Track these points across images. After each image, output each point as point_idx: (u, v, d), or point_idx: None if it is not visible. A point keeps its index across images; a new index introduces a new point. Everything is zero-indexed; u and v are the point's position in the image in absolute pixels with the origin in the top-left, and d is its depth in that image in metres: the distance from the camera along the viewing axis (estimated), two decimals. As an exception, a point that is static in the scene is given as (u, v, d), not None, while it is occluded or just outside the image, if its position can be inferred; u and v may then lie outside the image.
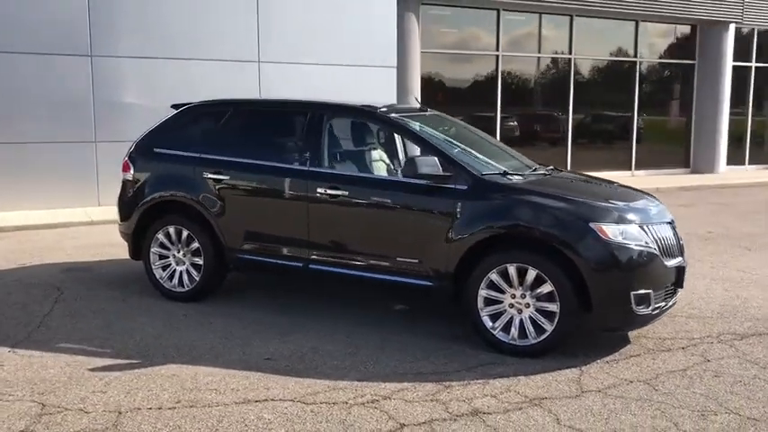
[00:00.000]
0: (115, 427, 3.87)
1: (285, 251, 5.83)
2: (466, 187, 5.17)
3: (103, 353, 5.01)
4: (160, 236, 6.26)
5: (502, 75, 14.58)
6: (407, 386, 4.48)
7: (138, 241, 6.44)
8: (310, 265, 5.73)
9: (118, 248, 8.42)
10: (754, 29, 17.59)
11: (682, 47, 17.15)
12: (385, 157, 6.34)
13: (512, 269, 4.99)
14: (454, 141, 5.81)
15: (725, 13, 16.52)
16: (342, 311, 6.04)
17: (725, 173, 17.26)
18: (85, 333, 5.42)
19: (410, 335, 5.47)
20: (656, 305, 5.02)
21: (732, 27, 16.81)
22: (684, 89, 17.23)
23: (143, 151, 6.49)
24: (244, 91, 11.68)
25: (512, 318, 5.05)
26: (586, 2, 14.67)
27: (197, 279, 6.15)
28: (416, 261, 5.34)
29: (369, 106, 5.88)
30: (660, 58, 16.87)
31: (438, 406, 4.19)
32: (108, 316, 5.84)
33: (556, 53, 15.35)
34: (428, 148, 5.41)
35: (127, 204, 6.48)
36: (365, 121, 6.16)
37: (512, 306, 5.04)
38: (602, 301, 4.85)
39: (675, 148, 17.42)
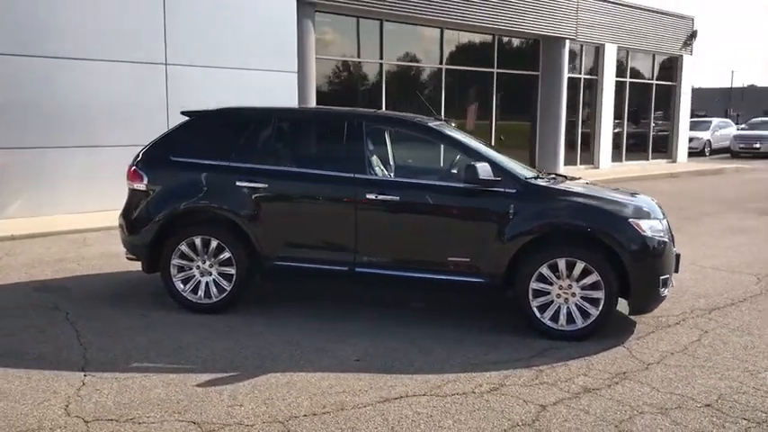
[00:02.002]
0: (295, 436, 3.91)
1: (329, 256, 5.97)
2: (515, 191, 5.71)
3: (189, 368, 4.87)
4: (183, 247, 6.07)
5: (386, 82, 15.23)
6: (508, 374, 4.92)
7: (155, 254, 6.18)
8: (356, 269, 5.93)
9: (73, 264, 7.90)
10: (582, 45, 19.92)
11: (529, 59, 18.96)
12: (425, 163, 6.66)
13: (561, 263, 5.61)
14: (488, 149, 6.30)
15: (563, 30, 18.55)
16: (368, 313, 6.28)
17: (563, 172, 19.34)
18: (144, 351, 5.19)
19: (456, 330, 5.87)
20: (669, 287, 5.92)
21: (568, 43, 18.92)
22: (531, 97, 19.06)
23: (157, 160, 6.24)
24: (152, 95, 11.22)
25: (559, 306, 5.67)
26: (455, 16, 15.77)
27: (227, 289, 6.06)
28: (468, 260, 5.78)
29: (409, 117, 6.19)
30: (512, 69, 18.52)
31: (552, 387, 4.69)
32: (148, 333, 5.59)
33: (430, 63, 16.30)
34: (477, 155, 5.88)
35: (141, 216, 6.19)
36: (409, 131, 6.42)
37: (559, 296, 5.67)
38: (639, 286, 5.63)
39: (523, 151, 19.21)
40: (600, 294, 5.59)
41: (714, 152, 31.64)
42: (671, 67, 23.82)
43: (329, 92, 14.40)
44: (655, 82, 23.18)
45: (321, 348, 5.35)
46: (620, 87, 21.55)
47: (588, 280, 5.59)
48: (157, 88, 11.29)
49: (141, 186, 6.20)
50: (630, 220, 5.63)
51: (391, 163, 6.49)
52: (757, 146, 31.12)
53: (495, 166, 5.75)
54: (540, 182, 5.96)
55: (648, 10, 21.96)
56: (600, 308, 5.60)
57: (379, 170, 6.14)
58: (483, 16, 16.39)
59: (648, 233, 5.64)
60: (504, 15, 16.85)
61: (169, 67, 11.38)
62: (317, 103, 13.65)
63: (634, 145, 23.03)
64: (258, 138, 6.21)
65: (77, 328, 5.66)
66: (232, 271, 6.05)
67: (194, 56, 11.62)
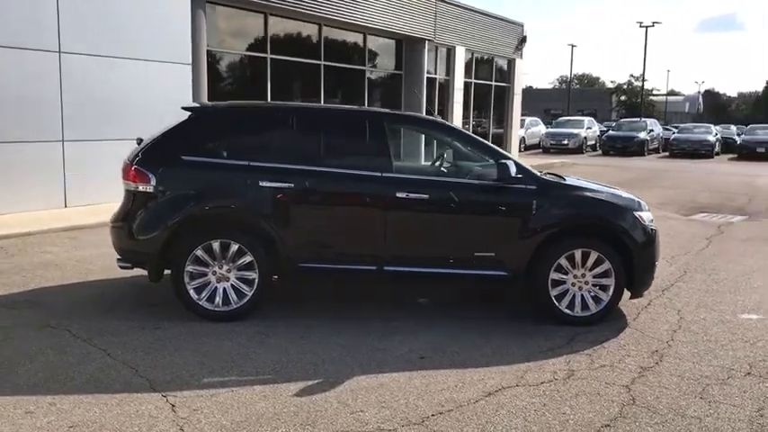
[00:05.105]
0: (445, 435, 3.92)
1: (358, 256, 5.89)
2: (535, 187, 6.03)
3: (268, 379, 4.64)
4: (199, 252, 5.67)
5: (271, 76, 14.89)
6: (566, 359, 5.24)
7: (163, 260, 5.70)
8: (385, 267, 5.91)
9: (17, 276, 7.05)
10: (437, 47, 20.82)
11: (394, 59, 19.47)
12: (447, 161, 6.69)
13: (578, 254, 6.02)
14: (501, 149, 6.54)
15: (423, 32, 19.28)
16: (385, 311, 6.31)
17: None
18: (201, 366, 4.82)
19: (481, 322, 6.07)
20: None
21: (427, 44, 19.68)
22: (396, 96, 19.57)
23: (165, 159, 5.74)
24: (44, 85, 10.12)
25: (574, 295, 6.08)
26: (331, 13, 15.84)
27: (248, 294, 5.76)
28: (492, 254, 6.00)
29: (429, 117, 6.25)
30: (380, 68, 18.92)
31: (615, 369, 5.06)
32: (186, 345, 5.19)
33: (311, 58, 16.17)
34: (496, 154, 6.11)
35: (148, 220, 5.67)
36: (430, 130, 6.44)
37: (573, 285, 6.08)
38: (642, 273, 6.20)
39: (389, 148, 19.66)
40: (610, 281, 6.07)
41: (528, 148, 34.43)
42: (506, 70, 25.62)
43: (219, 85, 13.82)
44: (493, 83, 24.80)
45: (375, 348, 5.31)
46: (467, 88, 22.80)
47: (600, 269, 6.05)
48: (50, 79, 10.18)
49: (147, 188, 5.67)
50: (635, 212, 6.18)
51: (419, 161, 6.54)
52: (566, 142, 34.48)
53: (514, 163, 6.02)
54: (551, 178, 6.33)
55: (489, 15, 23.45)
56: (610, 294, 6.09)
57: (410, 168, 6.18)
58: (355, 14, 16.60)
59: (647, 223, 6.23)
60: (373, 14, 17.19)
61: (63, 56, 10.30)
62: (209, 96, 13.06)
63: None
64: (279, 136, 5.93)
65: (100, 347, 5.09)
66: (253, 275, 5.76)
67: (90, 45, 10.62)
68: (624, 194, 6.50)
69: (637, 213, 6.18)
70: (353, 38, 17.75)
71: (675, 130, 39.20)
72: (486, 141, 6.46)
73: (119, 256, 5.93)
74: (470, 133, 6.45)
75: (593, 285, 6.09)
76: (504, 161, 5.87)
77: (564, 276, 6.06)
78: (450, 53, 21.66)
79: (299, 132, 5.98)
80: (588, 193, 6.27)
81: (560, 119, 40.85)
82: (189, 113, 6.00)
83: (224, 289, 5.75)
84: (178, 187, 5.71)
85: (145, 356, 4.95)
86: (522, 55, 26.03)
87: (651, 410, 4.35)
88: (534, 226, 5.98)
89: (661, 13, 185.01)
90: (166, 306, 6.00)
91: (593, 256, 6.02)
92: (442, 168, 6.90)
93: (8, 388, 4.30)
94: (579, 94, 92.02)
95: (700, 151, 32.78)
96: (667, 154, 34.33)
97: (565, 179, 6.47)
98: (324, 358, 5.05)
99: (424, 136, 7.08)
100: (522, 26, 25.80)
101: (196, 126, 5.94)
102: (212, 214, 5.76)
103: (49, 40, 10.15)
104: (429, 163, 6.96)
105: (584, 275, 6.07)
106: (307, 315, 6.04)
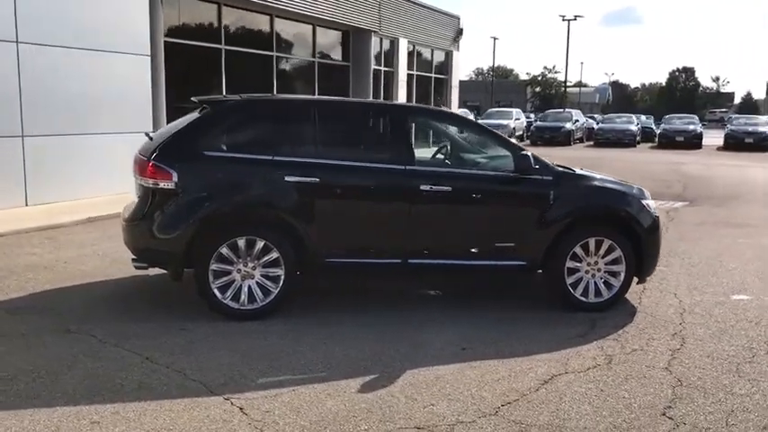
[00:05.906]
0: (519, 424, 3.97)
1: (384, 249, 5.86)
2: (551, 178, 6.15)
3: (324, 377, 4.57)
4: (224, 250, 5.50)
5: (225, 67, 14.54)
6: (598, 345, 5.38)
7: (187, 259, 5.51)
8: (409, 260, 5.91)
9: (9, 280, 6.64)
10: (381, 38, 20.84)
11: (341, 50, 19.37)
12: (467, 153, 6.68)
13: (592, 242, 6.19)
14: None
15: (369, 23, 19.25)
16: (402, 303, 6.32)
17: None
18: (248, 366, 4.70)
19: (499, 312, 6.16)
20: (653, 258, 6.81)
21: (372, 36, 19.67)
22: (344, 86, 19.47)
23: (186, 154, 5.52)
24: (2, 75, 9.56)
25: (588, 282, 6.25)
26: (281, 4, 15.62)
27: (274, 291, 5.64)
28: (512, 245, 6.09)
29: (446, 110, 6.24)
30: (328, 59, 18.78)
31: (647, 353, 5.23)
32: (221, 346, 5.05)
33: (264, 50, 15.89)
34: (513, 147, 6.20)
35: (170, 218, 5.45)
36: (449, 123, 6.44)
37: (587, 272, 6.25)
38: (649, 259, 6.43)
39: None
40: (621, 268, 6.26)
41: (460, 140, 34.94)
42: (444, 62, 25.91)
43: (176, 75, 13.38)
44: (433, 75, 25.05)
45: (414, 342, 5.30)
46: (409, 79, 22.94)
47: (611, 256, 6.23)
48: (8, 70, 9.60)
49: (168, 185, 5.44)
50: (643, 201, 6.41)
51: (440, 153, 6.56)
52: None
53: (533, 155, 6.12)
54: (564, 169, 6.46)
55: (428, 8, 23.65)
56: (621, 279, 6.28)
57: (432, 161, 6.19)
58: (304, 4, 16.42)
59: (653, 211, 6.46)
60: (322, 5, 17.05)
61: (21, 46, 9.73)
62: (167, 87, 12.64)
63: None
64: (301, 130, 5.81)
65: (134, 351, 4.87)
66: (279, 272, 5.64)
67: (48, 35, 10.07)
68: (629, 183, 6.71)
69: (643, 201, 6.40)
70: (303, 29, 17.57)
71: (595, 121, 40.64)
72: (501, 134, 6.54)
73: (134, 256, 5.69)
74: (486, 126, 6.51)
75: (605, 272, 6.27)
76: (524, 152, 5.97)
77: (578, 264, 6.20)
78: (394, 45, 21.73)
79: (322, 126, 5.87)
80: (599, 183, 6.45)
81: (489, 110, 41.59)
82: (203, 106, 5.81)
83: (249, 287, 5.61)
84: (201, 183, 5.53)
85: (185, 359, 4.78)
86: (458, 47, 26.40)
87: (701, 390, 4.53)
88: (552, 216, 6.10)
89: (568, 8, 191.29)
90: (183, 306, 5.83)
91: (606, 244, 6.19)
92: (447, 160, 6.94)
93: (61, 398, 4.08)
94: (496, 85, 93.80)
95: (623, 140, 34.03)
96: (592, 143, 35.52)
97: (575, 170, 6.62)
98: (368, 353, 5.01)
99: (432, 129, 7.04)
100: (459, 19, 26.19)
101: (214, 120, 5.75)
102: (237, 210, 5.60)
103: (6, 29, 9.57)
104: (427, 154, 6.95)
105: (596, 263, 6.23)
106: (330, 310, 5.97)
